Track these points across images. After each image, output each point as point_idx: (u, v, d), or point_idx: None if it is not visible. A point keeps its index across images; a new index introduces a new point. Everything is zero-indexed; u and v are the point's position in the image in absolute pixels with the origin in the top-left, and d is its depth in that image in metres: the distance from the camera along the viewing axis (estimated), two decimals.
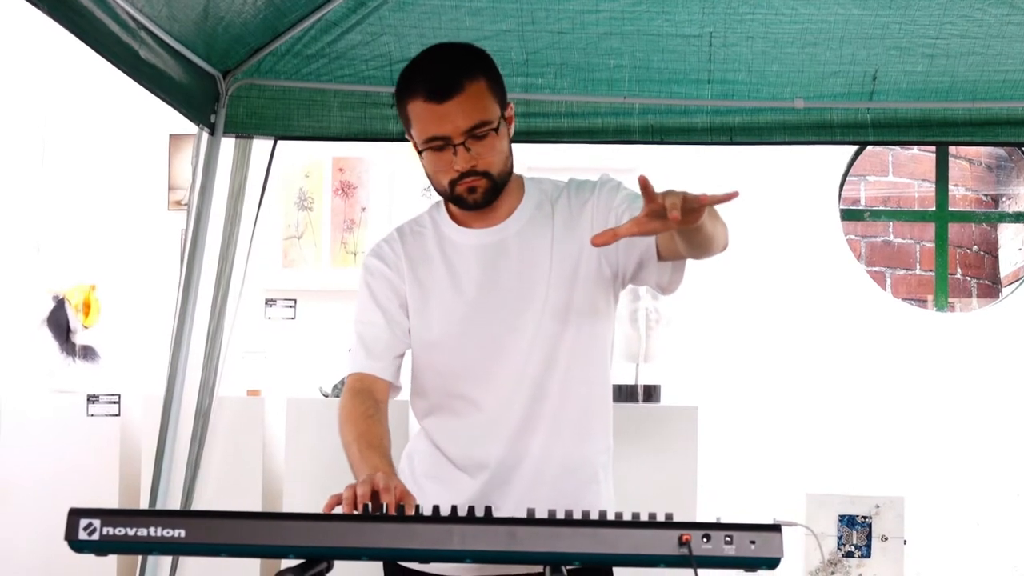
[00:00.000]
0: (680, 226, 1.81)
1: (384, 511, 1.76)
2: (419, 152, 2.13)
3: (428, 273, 2.24)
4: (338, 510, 1.81)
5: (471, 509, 1.63)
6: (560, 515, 1.59)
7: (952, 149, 5.40)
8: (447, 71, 2.07)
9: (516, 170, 2.25)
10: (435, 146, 2.09)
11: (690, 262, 2.17)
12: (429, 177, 2.17)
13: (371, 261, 2.30)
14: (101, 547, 1.57)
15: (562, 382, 2.18)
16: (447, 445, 2.24)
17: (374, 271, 2.29)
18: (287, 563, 1.58)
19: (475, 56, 2.14)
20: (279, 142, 3.57)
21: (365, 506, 1.79)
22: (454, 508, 1.68)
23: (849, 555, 3.82)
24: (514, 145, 2.22)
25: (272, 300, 4.60)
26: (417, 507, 1.82)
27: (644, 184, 1.79)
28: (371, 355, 2.24)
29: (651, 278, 2.20)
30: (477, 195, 2.14)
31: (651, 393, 4.03)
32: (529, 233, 2.21)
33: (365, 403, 2.17)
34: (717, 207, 1.91)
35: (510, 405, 2.18)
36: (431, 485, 2.24)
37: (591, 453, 2.24)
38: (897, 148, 5.81)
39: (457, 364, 2.21)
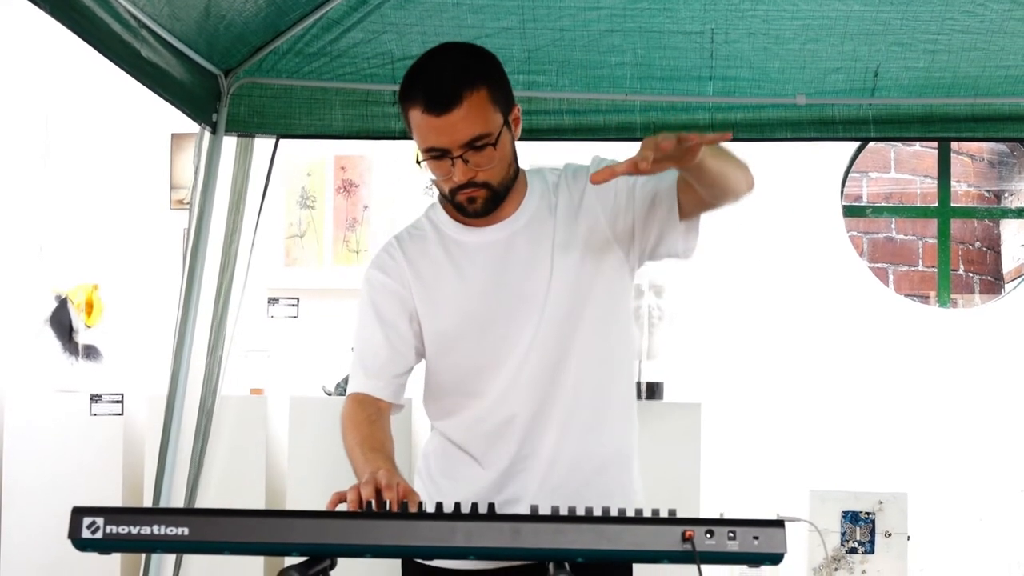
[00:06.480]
0: (678, 165, 1.90)
1: (387, 508, 1.76)
2: (418, 161, 2.12)
3: (433, 273, 2.21)
4: (342, 507, 1.80)
5: (474, 506, 1.63)
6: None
7: (954, 145, 5.39)
8: (446, 82, 2.02)
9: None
10: (433, 156, 2.07)
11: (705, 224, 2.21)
12: (432, 181, 2.17)
13: (372, 273, 2.26)
14: (105, 545, 1.58)
15: (574, 372, 2.17)
16: (463, 442, 2.23)
17: (375, 284, 2.24)
18: (290, 561, 1.58)
19: (478, 62, 2.10)
20: (281, 140, 3.57)
21: (369, 504, 1.79)
22: (457, 505, 1.69)
23: (852, 551, 3.83)
24: (515, 143, 2.21)
25: (275, 299, 4.61)
26: (420, 504, 1.82)
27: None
28: (368, 374, 2.21)
29: (671, 247, 2.20)
30: (477, 205, 2.13)
31: (654, 390, 4.03)
32: (535, 226, 2.20)
33: (367, 410, 2.16)
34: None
35: (521, 398, 2.17)
36: (447, 483, 2.24)
37: (608, 442, 2.23)
38: (899, 144, 5.81)
39: (470, 360, 2.20)
